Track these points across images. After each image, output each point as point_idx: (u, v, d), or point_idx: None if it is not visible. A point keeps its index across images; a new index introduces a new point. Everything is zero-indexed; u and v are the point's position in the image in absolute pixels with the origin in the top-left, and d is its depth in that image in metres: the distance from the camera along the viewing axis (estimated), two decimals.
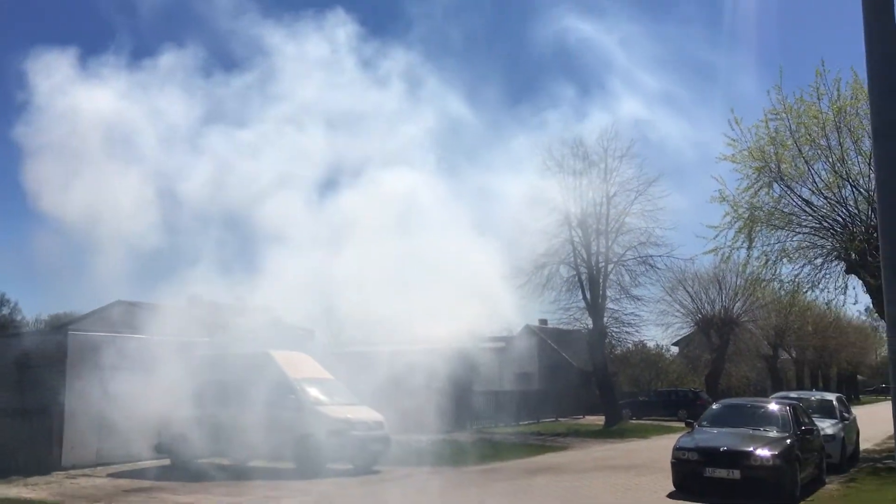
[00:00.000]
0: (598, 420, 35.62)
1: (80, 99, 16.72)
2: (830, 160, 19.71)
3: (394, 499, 12.95)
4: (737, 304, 42.82)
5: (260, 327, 18.75)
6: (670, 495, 13.22)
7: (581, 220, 33.39)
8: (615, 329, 36.23)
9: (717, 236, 20.92)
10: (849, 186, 19.61)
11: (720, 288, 43.29)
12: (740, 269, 24.31)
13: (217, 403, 17.25)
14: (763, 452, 13.16)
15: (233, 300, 21.17)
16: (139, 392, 16.88)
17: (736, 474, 12.95)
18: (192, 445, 17.65)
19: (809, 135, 19.79)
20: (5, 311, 49.73)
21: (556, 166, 32.61)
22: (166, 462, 18.11)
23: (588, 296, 33.97)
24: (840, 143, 19.54)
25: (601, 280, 33.99)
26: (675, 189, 63.68)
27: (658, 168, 65.73)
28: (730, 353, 45.03)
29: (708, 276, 43.06)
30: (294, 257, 17.43)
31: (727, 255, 21.26)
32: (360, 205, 18.07)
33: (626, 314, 35.70)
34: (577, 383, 43.26)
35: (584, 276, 33.98)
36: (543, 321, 47.21)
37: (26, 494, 13.72)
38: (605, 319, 34.72)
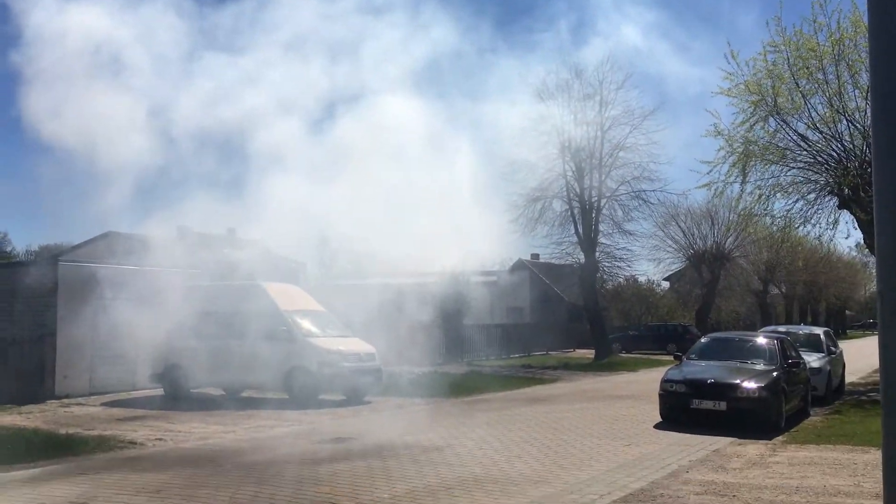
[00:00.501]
0: (589, 354, 36.04)
1: (70, 21, 16.28)
2: (827, 94, 19.49)
3: (384, 428, 13.13)
4: (728, 240, 42.95)
5: (251, 259, 18.75)
6: (657, 426, 13.44)
7: (575, 153, 33.17)
8: (607, 264, 36.40)
9: (710, 171, 20.82)
10: (845, 121, 19.43)
11: (712, 223, 43.37)
12: (733, 204, 24.31)
13: (209, 334, 17.32)
14: (749, 385, 13.34)
15: (224, 231, 21.12)
16: (131, 322, 16.94)
17: (722, 406, 13.14)
18: (185, 375, 17.81)
19: (807, 68, 19.50)
20: None
21: (551, 97, 32.27)
22: (160, 392, 18.28)
23: (580, 230, 34.00)
24: (837, 77, 19.29)
25: (594, 215, 33.96)
26: (670, 123, 63.19)
27: (654, 101, 65.38)
28: (720, 289, 45.38)
29: (700, 212, 43.11)
30: (286, 188, 17.30)
31: (720, 189, 21.20)
32: (352, 135, 17.88)
33: (618, 249, 35.84)
34: (568, 317, 43.66)
35: (576, 211, 33.94)
36: (535, 256, 47.33)
37: (21, 422, 13.85)
38: (598, 254, 34.81)
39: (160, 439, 12.13)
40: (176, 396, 17.63)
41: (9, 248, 50.21)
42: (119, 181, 16.42)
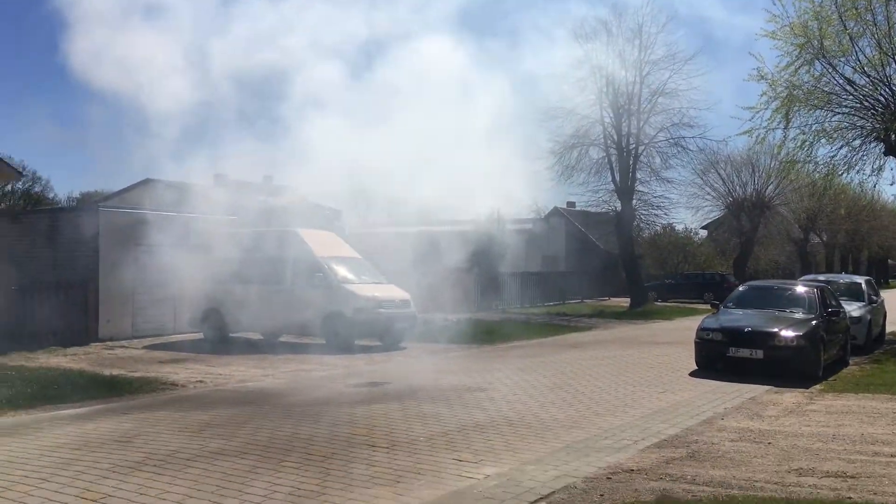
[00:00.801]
0: (624, 302, 35.94)
1: None
2: (876, 36, 18.81)
3: (419, 372, 13.28)
4: (769, 187, 42.17)
5: (288, 206, 18.85)
6: (692, 374, 13.40)
7: (613, 99, 32.62)
8: (644, 212, 36.07)
9: (752, 117, 20.28)
10: (893, 64, 18.79)
11: (753, 170, 42.55)
12: (775, 150, 23.75)
13: (247, 280, 17.56)
14: (787, 333, 13.20)
15: (260, 179, 21.22)
16: (171, 268, 17.22)
17: (759, 354, 13.03)
18: (224, 320, 18.14)
19: (855, 9, 18.80)
20: (38, 188, 50.43)
21: (589, 40, 31.62)
22: (199, 336, 18.66)
23: (617, 178, 33.60)
24: (887, 18, 18.60)
25: (631, 162, 33.51)
26: (711, 68, 61.53)
27: (695, 45, 63.72)
28: (759, 237, 44.73)
29: (741, 159, 42.30)
30: (322, 134, 17.24)
31: (762, 136, 20.67)
32: (388, 79, 17.70)
33: (655, 197, 35.45)
34: (604, 266, 43.41)
35: (614, 158, 33.51)
36: (571, 203, 46.98)
37: (67, 364, 14.26)
38: (634, 202, 34.46)
39: (201, 381, 12.41)
40: (215, 340, 17.99)
41: (51, 195, 51.13)
42: (159, 127, 16.50)
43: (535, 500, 5.93)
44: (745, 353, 13.14)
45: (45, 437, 8.23)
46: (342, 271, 17.82)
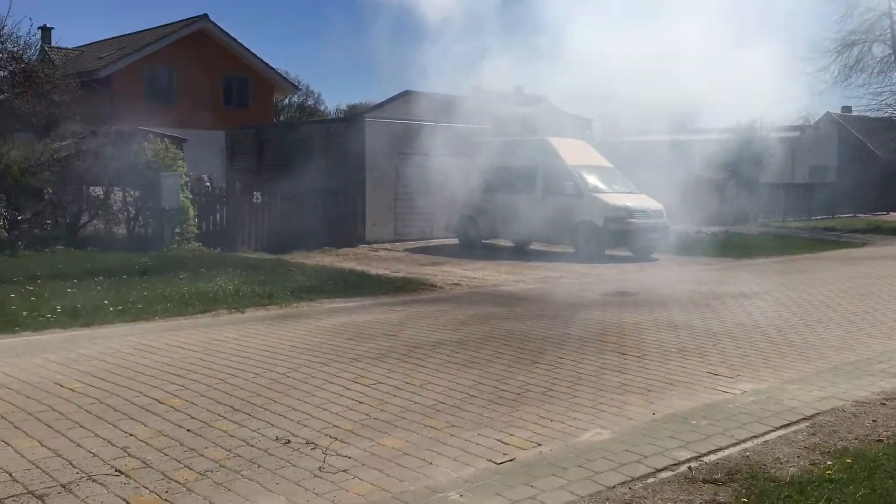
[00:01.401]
0: None
1: None
2: None
3: (670, 284, 12.98)
4: None
5: (539, 115, 18.89)
6: None
7: None
8: None
9: None
10: None
11: None
12: None
13: (499, 188, 18.00)
14: None
15: (512, 89, 21.37)
16: (431, 176, 18.12)
17: None
18: (477, 226, 18.84)
19: None
20: (311, 101, 54.61)
21: None
22: (454, 241, 19.56)
23: None
24: None
25: None
26: None
27: None
28: None
29: None
30: (572, 44, 16.93)
31: None
32: None
33: None
34: (882, 177, 39.10)
35: None
36: (847, 108, 42.61)
37: (338, 263, 15.64)
38: None
39: (457, 284, 13.08)
40: (469, 246, 18.78)
41: (322, 108, 55.19)
42: (419, 40, 17.16)
43: (797, 420, 5.66)
44: None
45: (323, 325, 9.17)
46: (593, 180, 17.68)
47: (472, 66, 18.63)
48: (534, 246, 18.87)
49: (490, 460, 4.73)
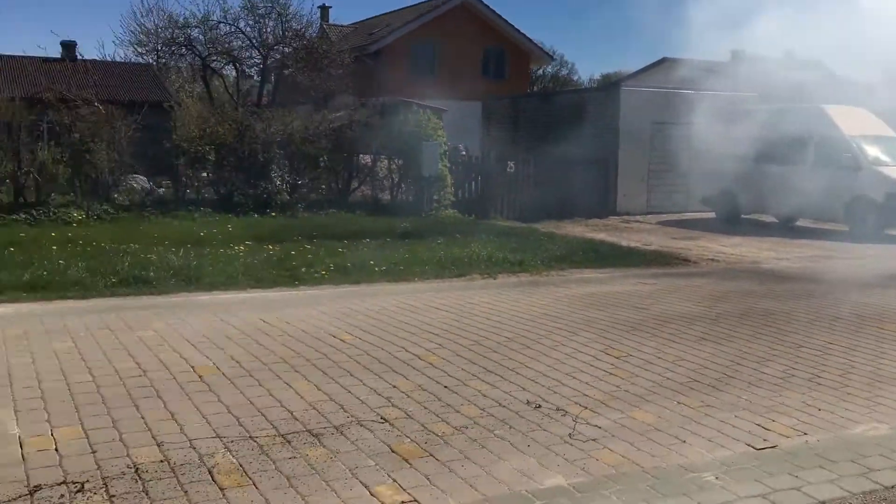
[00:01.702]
0: None
1: None
2: None
3: None
4: None
5: (812, 81, 17.37)
6: None
7: None
8: None
9: None
10: None
11: None
12: None
13: (764, 159, 16.87)
14: None
15: (780, 54, 19.80)
16: (687, 146, 17.39)
17: None
18: (737, 200, 17.84)
19: None
20: (565, 71, 54.39)
21: None
22: (711, 215, 18.67)
23: None
24: None
25: None
26: None
27: None
28: None
29: None
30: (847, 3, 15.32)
31: None
32: None
33: None
34: None
35: None
36: None
37: (588, 233, 15.57)
38: None
39: (713, 259, 12.52)
40: (727, 220, 17.85)
41: (575, 77, 54.80)
42: (680, 7, 16.43)
43: None
44: None
45: (572, 294, 9.20)
46: (874, 151, 16.02)
47: (734, 30, 17.52)
48: (800, 223, 17.52)
49: (749, 445, 4.51)
